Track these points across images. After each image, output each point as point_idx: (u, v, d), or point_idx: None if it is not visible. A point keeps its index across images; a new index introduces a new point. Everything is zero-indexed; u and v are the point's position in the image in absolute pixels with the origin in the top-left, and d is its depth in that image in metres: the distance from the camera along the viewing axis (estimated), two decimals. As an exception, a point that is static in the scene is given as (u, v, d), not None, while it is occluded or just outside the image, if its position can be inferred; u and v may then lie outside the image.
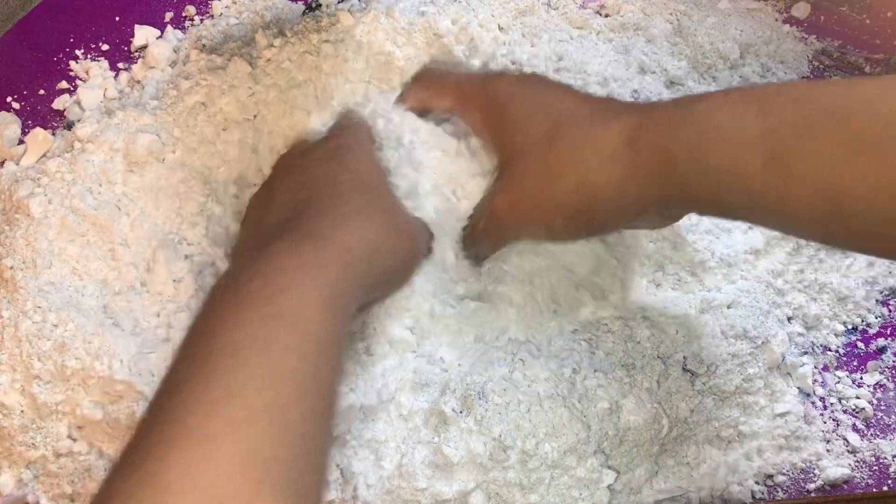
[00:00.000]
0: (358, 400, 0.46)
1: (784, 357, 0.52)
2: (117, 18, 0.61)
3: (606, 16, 0.61)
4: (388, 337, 0.48)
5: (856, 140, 0.33)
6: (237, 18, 0.61)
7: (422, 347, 0.49)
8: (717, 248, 0.54)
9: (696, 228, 0.54)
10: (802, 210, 0.35)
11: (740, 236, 0.54)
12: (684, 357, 0.50)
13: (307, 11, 0.61)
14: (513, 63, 0.56)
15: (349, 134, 0.50)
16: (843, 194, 0.34)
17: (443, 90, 0.52)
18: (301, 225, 0.41)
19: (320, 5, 0.61)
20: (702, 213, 0.43)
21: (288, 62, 0.55)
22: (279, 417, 0.31)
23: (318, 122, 0.53)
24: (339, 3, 0.60)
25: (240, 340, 0.33)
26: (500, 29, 0.57)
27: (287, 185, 0.47)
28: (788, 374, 0.52)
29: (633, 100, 0.57)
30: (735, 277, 0.53)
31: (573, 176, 0.43)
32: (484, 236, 0.49)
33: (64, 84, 0.59)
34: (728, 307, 0.52)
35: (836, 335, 0.54)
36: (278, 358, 0.33)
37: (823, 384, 0.53)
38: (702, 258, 0.53)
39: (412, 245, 0.47)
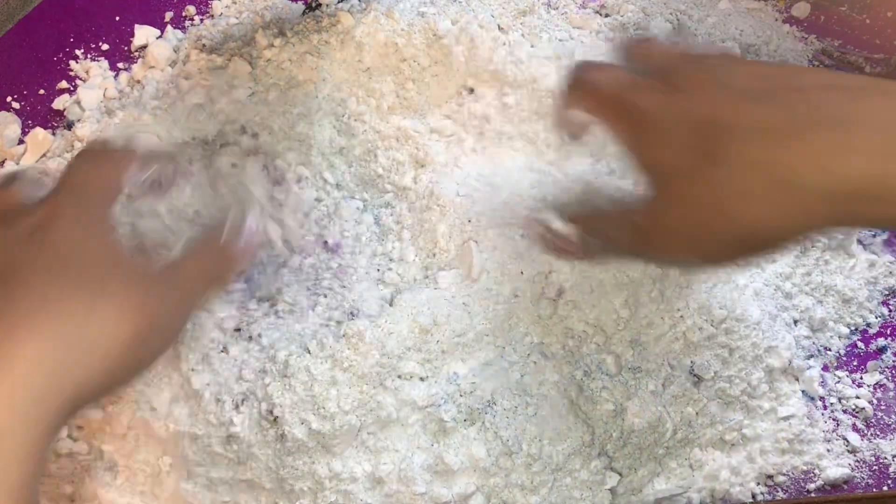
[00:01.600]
0: (359, 421, 0.46)
1: (790, 361, 0.52)
2: (117, 18, 0.61)
3: (606, 16, 0.61)
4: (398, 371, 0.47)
5: None
6: (237, 18, 0.61)
7: (437, 372, 0.47)
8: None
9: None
10: None
11: None
12: (692, 361, 0.50)
13: (307, 11, 0.61)
14: (514, 64, 0.56)
15: (65, 195, 0.39)
16: None
17: (595, 97, 0.41)
18: None
19: (320, 5, 0.61)
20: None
21: (288, 62, 0.55)
22: None
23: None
24: (338, 2, 0.60)
25: None
26: (500, 29, 0.57)
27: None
28: (794, 377, 0.52)
29: None
30: (745, 280, 0.53)
31: (743, 209, 0.34)
32: (612, 243, 0.41)
33: (64, 84, 0.59)
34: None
35: (840, 337, 0.54)
36: None
37: (823, 384, 0.53)
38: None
39: (143, 310, 0.36)
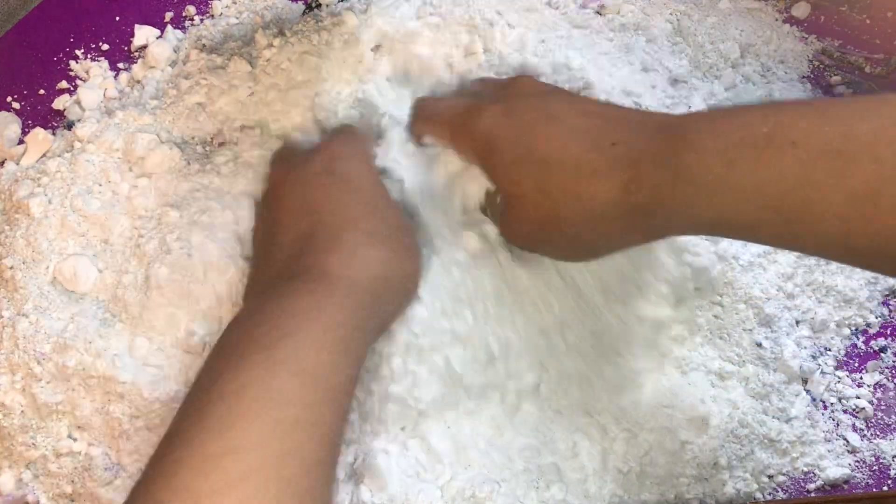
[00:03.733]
0: None
1: (798, 367, 0.52)
2: (117, 18, 0.61)
3: (606, 16, 0.61)
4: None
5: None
6: (237, 18, 0.61)
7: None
8: (726, 251, 0.53)
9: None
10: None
11: None
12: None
13: (307, 11, 0.61)
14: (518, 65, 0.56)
15: (343, 143, 0.48)
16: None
17: (438, 124, 0.50)
18: (308, 263, 0.40)
19: (320, 5, 0.61)
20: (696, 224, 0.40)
21: (288, 62, 0.55)
22: (277, 474, 0.31)
23: (307, 123, 0.52)
24: (339, 2, 0.60)
25: (242, 388, 0.33)
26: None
27: (288, 210, 0.45)
28: (800, 379, 0.52)
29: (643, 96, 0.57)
30: (748, 280, 0.53)
31: (562, 231, 0.43)
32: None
33: (64, 84, 0.59)
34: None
35: (842, 338, 0.54)
36: (280, 408, 0.32)
37: (824, 383, 0.53)
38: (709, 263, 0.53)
39: (416, 266, 0.45)
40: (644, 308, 0.50)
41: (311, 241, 0.42)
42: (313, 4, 0.61)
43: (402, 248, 0.44)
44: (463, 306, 0.48)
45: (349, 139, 0.49)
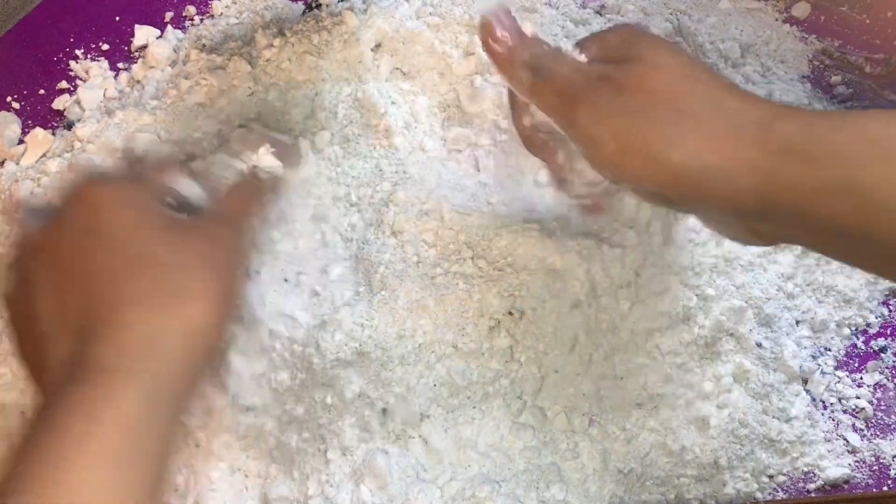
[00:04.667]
0: None
1: (798, 367, 0.52)
2: (117, 18, 0.61)
3: (607, 15, 0.61)
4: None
5: None
6: (237, 18, 0.61)
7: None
8: (728, 251, 0.53)
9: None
10: None
11: None
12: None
13: (307, 11, 0.61)
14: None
15: (101, 189, 0.39)
16: None
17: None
18: (82, 360, 0.35)
19: (320, 5, 0.61)
20: (802, 236, 0.38)
21: (288, 62, 0.55)
22: None
23: None
24: (339, 1, 0.60)
25: None
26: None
27: (45, 287, 0.37)
28: (800, 379, 0.52)
29: None
30: (748, 280, 0.53)
31: (682, 133, 0.37)
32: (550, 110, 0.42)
33: (64, 84, 0.59)
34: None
35: (842, 338, 0.54)
36: None
37: (823, 383, 0.53)
38: (713, 262, 0.53)
39: (212, 310, 0.38)
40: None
41: (82, 330, 0.36)
42: (313, 4, 0.61)
43: (188, 301, 0.37)
44: (466, 322, 0.48)
45: (112, 183, 0.40)
